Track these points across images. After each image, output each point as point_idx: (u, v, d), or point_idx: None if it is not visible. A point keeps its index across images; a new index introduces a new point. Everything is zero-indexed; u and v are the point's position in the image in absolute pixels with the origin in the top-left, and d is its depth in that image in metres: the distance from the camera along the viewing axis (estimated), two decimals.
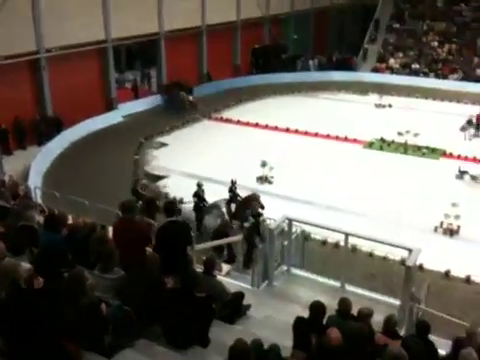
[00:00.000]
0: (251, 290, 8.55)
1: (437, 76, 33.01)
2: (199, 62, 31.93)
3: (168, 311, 5.17)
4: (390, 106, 27.79)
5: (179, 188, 17.20)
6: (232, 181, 15.17)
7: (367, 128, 23.55)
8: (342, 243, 9.64)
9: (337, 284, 9.00)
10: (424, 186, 17.57)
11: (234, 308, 6.76)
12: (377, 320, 6.52)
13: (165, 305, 5.17)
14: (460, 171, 18.34)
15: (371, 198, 16.66)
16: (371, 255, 12.92)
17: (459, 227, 14.69)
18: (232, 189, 15.08)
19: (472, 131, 22.89)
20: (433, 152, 21.02)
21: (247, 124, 25.37)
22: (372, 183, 17.90)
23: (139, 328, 5.20)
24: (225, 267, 10.48)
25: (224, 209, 14.50)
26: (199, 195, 14.63)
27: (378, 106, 27.99)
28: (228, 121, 26.14)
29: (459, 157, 20.35)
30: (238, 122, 25.73)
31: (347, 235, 9.20)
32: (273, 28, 36.11)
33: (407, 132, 21.86)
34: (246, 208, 13.71)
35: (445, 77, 32.72)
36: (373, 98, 28.87)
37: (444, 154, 20.88)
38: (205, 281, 5.85)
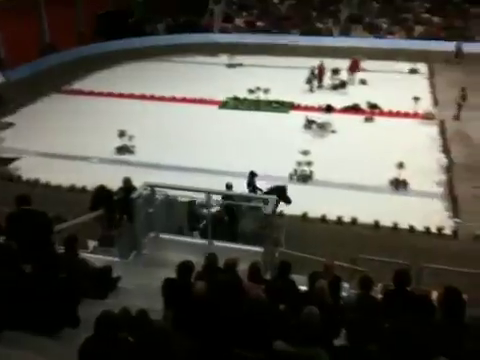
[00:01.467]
0: (120, 262, 8.54)
1: (281, 32, 34.53)
2: (40, 32, 29.64)
3: (29, 296, 5.00)
4: (241, 65, 28.59)
5: (33, 169, 16.20)
6: (252, 173, 13.38)
7: (220, 88, 24.07)
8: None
9: (205, 242, 9.36)
10: (277, 138, 18.55)
11: (103, 283, 6.73)
12: (244, 269, 6.95)
13: (24, 291, 4.98)
14: (308, 121, 19.67)
15: (231, 155, 17.22)
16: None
17: (311, 173, 15.88)
18: (251, 182, 13.33)
19: (315, 83, 24.53)
20: (283, 106, 22.24)
21: (100, 94, 24.44)
22: (230, 141, 18.49)
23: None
24: (91, 243, 10.26)
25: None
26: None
27: (229, 66, 28.63)
28: (79, 93, 24.92)
29: (306, 108, 21.76)
30: (90, 93, 24.66)
31: (209, 193, 9.54)
32: None
33: (258, 89, 22.74)
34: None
35: (288, 33, 34.39)
36: (223, 58, 29.39)
37: (293, 107, 22.19)
38: (67, 261, 5.74)
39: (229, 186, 12.29)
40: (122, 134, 17.77)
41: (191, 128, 19.87)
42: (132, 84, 25.11)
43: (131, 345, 4.49)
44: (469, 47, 29.02)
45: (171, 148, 17.90)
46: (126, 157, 17.60)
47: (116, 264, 7.93)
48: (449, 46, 29.31)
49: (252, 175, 13.25)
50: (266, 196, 9.74)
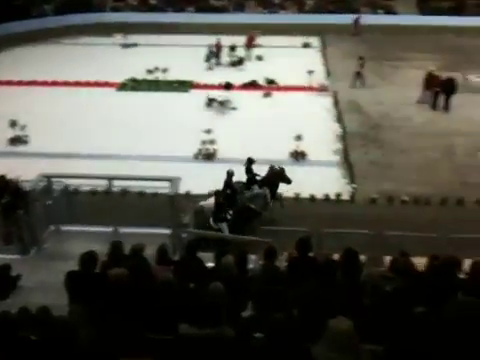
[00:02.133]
0: (20, 259, 8.15)
1: (175, 10, 34.01)
2: None
3: None
4: (135, 45, 27.84)
5: None
6: (249, 159, 12.98)
7: (117, 70, 23.34)
8: (114, 189, 9.80)
9: (110, 230, 9.18)
10: (179, 118, 18.45)
11: (1, 283, 6.40)
12: (152, 253, 6.92)
13: None
14: (208, 99, 19.72)
15: (133, 138, 16.88)
16: (142, 194, 13.34)
17: (216, 150, 16.02)
18: (249, 168, 12.94)
19: (214, 60, 24.57)
20: (183, 85, 22.07)
21: None
22: (131, 123, 18.08)
23: None
24: None
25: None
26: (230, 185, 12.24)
27: (124, 46, 27.78)
28: None
29: (206, 86, 21.77)
30: None
31: (110, 179, 9.34)
32: None
33: (156, 69, 22.36)
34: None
35: (182, 10, 33.96)
36: (118, 38, 28.43)
37: (192, 85, 22.10)
38: None
39: (230, 173, 12.22)
40: (13, 124, 16.74)
41: (88, 113, 19.12)
42: (21, 70, 23.59)
43: (34, 344, 4.34)
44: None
45: (68, 135, 17.15)
46: (20, 148, 16.61)
47: (16, 262, 7.57)
48: (339, 19, 30.64)
49: (250, 161, 13.00)
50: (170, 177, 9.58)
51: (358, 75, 21.74)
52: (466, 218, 12.36)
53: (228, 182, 12.15)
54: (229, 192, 11.82)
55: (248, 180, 12.75)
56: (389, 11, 33.39)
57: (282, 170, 12.83)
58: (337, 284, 5.72)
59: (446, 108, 19.06)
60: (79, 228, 9.26)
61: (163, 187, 10.00)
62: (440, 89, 19.02)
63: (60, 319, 4.39)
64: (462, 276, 6.04)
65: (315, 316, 4.91)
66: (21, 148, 16.62)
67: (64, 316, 4.93)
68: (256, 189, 12.38)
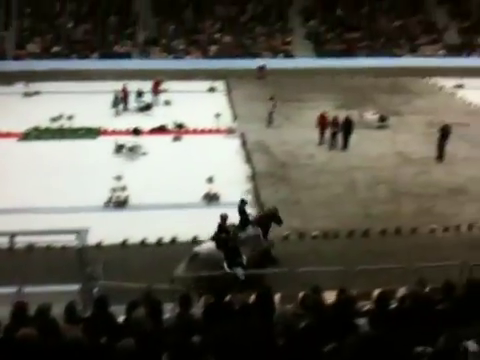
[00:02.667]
0: None
1: (79, 57, 33.66)
2: None
3: None
4: (38, 93, 27.08)
5: None
6: (242, 201, 12.77)
7: (19, 119, 22.48)
8: (18, 245, 9.29)
9: (13, 290, 8.66)
10: (87, 166, 18.05)
11: None
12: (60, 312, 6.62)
13: None
14: (117, 145, 19.53)
15: (39, 189, 16.20)
16: (49, 248, 12.77)
17: (127, 197, 15.79)
18: (242, 209, 12.59)
19: (121, 106, 24.48)
20: (90, 132, 21.71)
21: None
22: (36, 174, 17.40)
23: None
24: None
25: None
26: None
27: (26, 94, 26.91)
28: None
29: (114, 132, 21.58)
30: None
31: (12, 235, 8.89)
32: None
33: (61, 117, 21.86)
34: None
35: (86, 57, 33.69)
36: (19, 87, 27.52)
37: (100, 132, 21.81)
38: None
39: (224, 217, 12.00)
40: None
41: None
42: None
43: None
44: (259, 63, 31.93)
45: None
46: None
47: None
48: (242, 63, 31.96)
49: (243, 202, 12.78)
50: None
51: (270, 115, 22.96)
52: (373, 249, 13.11)
53: (222, 226, 12.03)
54: (224, 236, 11.69)
55: (242, 221, 12.48)
56: (288, 55, 35.36)
57: (275, 210, 12.86)
58: (252, 327, 5.83)
59: (345, 147, 20.16)
60: None
61: (71, 240, 9.70)
62: (338, 129, 20.14)
63: None
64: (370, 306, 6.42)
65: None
66: None
67: None
68: (250, 230, 12.25)
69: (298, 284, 10.39)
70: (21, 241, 10.67)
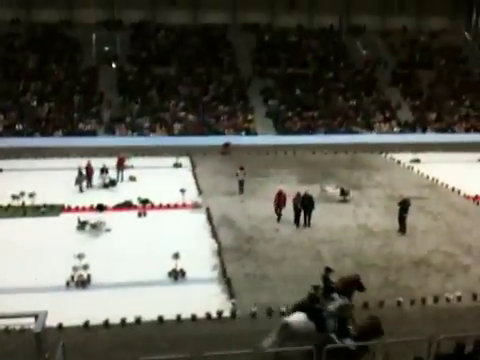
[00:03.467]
0: None
1: (43, 134, 33.73)
2: None
3: None
4: (0, 170, 26.73)
5: None
6: (327, 268, 12.42)
7: None
8: None
9: None
10: (49, 244, 17.61)
11: None
12: None
13: None
14: (80, 222, 19.20)
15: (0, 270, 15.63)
16: (8, 331, 12.10)
17: (90, 276, 15.30)
18: (327, 277, 12.04)
19: (85, 182, 24.33)
20: (52, 209, 21.31)
21: None
22: None
23: None
24: None
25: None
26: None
27: None
28: None
29: (77, 209, 21.29)
30: None
31: None
32: None
33: (22, 194, 21.47)
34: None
35: (51, 134, 33.81)
36: None
37: (63, 209, 21.47)
38: None
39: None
40: None
41: None
42: None
43: None
44: (222, 140, 32.81)
45: None
46: None
47: None
48: (206, 140, 32.80)
49: (328, 270, 12.36)
50: None
51: (241, 184, 23.96)
52: None
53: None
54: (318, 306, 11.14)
55: (326, 289, 11.82)
56: (250, 132, 36.48)
57: (358, 277, 12.45)
58: None
59: (307, 224, 19.96)
60: None
61: (30, 322, 9.25)
62: (299, 206, 19.96)
63: None
64: None
65: None
66: None
67: None
68: (337, 299, 11.47)
69: None
70: None
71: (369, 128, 38.28)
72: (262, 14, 46.95)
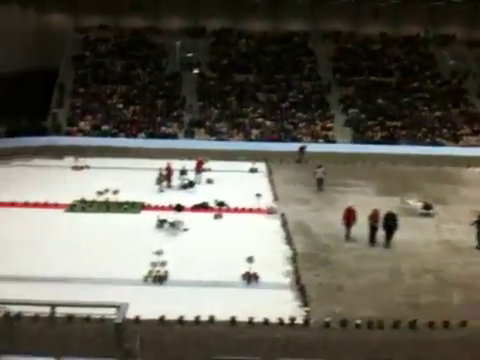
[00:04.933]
0: None
1: (127, 135, 35.22)
2: None
3: None
4: (87, 167, 28.18)
5: None
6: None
7: (67, 191, 23.25)
8: (58, 315, 9.29)
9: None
10: (129, 240, 18.26)
11: None
12: None
13: None
14: (159, 220, 19.77)
15: (81, 261, 16.39)
16: (88, 319, 12.64)
17: (167, 272, 15.69)
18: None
19: (165, 183, 25.07)
20: (133, 206, 22.13)
21: None
22: (79, 245, 17.65)
23: None
24: None
25: None
26: None
27: (75, 168, 28.02)
28: None
29: (157, 208, 21.94)
30: None
31: (53, 306, 8.91)
32: None
33: (106, 190, 22.45)
34: None
35: (134, 136, 35.22)
36: (69, 161, 28.75)
37: (143, 207, 22.22)
38: None
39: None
40: None
41: (34, 234, 18.57)
42: None
43: None
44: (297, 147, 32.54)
45: (13, 258, 16.44)
46: None
47: None
48: (283, 147, 32.68)
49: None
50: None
51: (320, 182, 24.27)
52: (420, 341, 12.42)
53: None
54: None
55: None
56: (328, 140, 35.96)
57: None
58: None
59: (387, 245, 18.45)
60: (20, 358, 8.55)
61: (110, 313, 9.59)
62: (377, 224, 18.47)
63: None
64: None
65: None
66: None
67: None
68: None
69: None
70: (61, 311, 10.70)
71: (455, 140, 36.47)
72: (344, 22, 46.41)
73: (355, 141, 35.91)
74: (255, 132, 36.45)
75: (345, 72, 42.34)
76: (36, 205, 21.90)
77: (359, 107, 39.17)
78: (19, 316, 10.90)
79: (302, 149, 31.57)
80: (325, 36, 45.49)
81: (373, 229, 18.66)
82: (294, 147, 32.03)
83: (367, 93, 40.35)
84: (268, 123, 37.38)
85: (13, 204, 21.88)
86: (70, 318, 12.12)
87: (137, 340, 9.70)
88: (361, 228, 18.86)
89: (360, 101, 39.71)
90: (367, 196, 23.37)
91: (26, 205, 21.86)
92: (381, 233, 18.70)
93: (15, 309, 9.68)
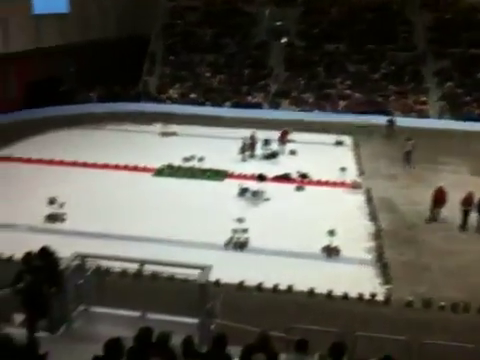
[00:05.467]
0: (48, 337, 7.99)
1: (213, 104, 35.66)
2: None
3: None
4: (175, 134, 28.98)
5: None
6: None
7: (155, 156, 24.13)
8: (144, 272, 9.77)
9: (138, 314, 8.98)
10: (211, 206, 18.67)
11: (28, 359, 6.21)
12: (179, 342, 6.69)
13: None
14: (241, 189, 19.99)
15: (166, 223, 17.04)
16: (171, 279, 13.16)
17: (247, 240, 15.92)
18: None
19: (248, 152, 25.21)
20: (217, 174, 22.53)
21: (29, 161, 23.70)
22: (165, 208, 18.36)
23: None
24: (17, 317, 9.54)
25: None
26: None
27: (163, 134, 28.93)
28: (6, 159, 24.03)
29: (240, 177, 22.18)
30: (19, 160, 23.87)
31: (142, 263, 9.32)
32: (48, 60, 34.55)
33: (192, 157, 23.02)
34: None
35: (220, 105, 35.58)
36: (158, 127, 29.71)
37: (227, 175, 22.55)
38: None
39: None
40: (52, 201, 17.16)
41: (124, 196, 19.56)
42: (63, 151, 24.66)
43: None
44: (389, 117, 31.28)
45: (103, 216, 17.46)
46: (56, 225, 16.88)
47: (44, 339, 7.39)
48: (371, 120, 31.51)
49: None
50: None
51: (408, 155, 23.52)
52: None
53: None
54: None
55: None
56: (422, 115, 34.16)
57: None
58: None
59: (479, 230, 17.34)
60: (108, 310, 9.09)
61: (193, 274, 9.87)
62: (470, 208, 17.39)
63: None
64: None
65: None
66: (58, 225, 16.89)
67: None
68: None
69: (421, 356, 9.60)
70: (147, 269, 11.21)
71: None
72: None
73: (450, 117, 33.85)
74: (342, 104, 35.45)
75: (442, 43, 39.70)
76: (126, 168, 22.97)
77: (456, 81, 36.73)
78: (108, 271, 11.55)
79: (391, 122, 30.30)
80: (424, 4, 42.78)
81: (465, 213, 17.51)
82: (383, 120, 30.82)
83: (465, 66, 37.65)
84: (357, 95, 36.17)
85: (106, 166, 23.10)
86: (155, 276, 12.70)
87: (219, 301, 9.94)
88: (452, 210, 17.84)
89: (457, 75, 37.21)
90: (460, 176, 22.06)
91: (117, 167, 23.00)
92: (474, 217, 17.55)
93: (105, 264, 10.21)
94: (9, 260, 14.01)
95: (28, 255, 9.71)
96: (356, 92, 36.26)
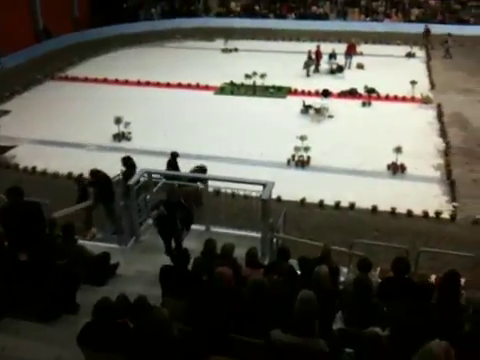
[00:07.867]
0: (119, 249, 8.55)
1: (276, 16, 34.27)
2: (33, 17, 29.31)
3: (26, 284, 4.98)
4: (236, 50, 28.37)
5: (29, 157, 16.13)
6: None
7: (216, 73, 23.91)
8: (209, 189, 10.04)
9: (202, 228, 9.36)
10: (274, 124, 18.46)
11: (101, 269, 6.72)
12: (241, 254, 6.96)
13: (21, 278, 4.97)
14: (305, 106, 19.56)
15: (229, 141, 17.16)
16: (233, 196, 13.45)
17: (309, 158, 15.81)
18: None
19: (312, 67, 24.38)
20: (280, 91, 22.09)
21: (95, 81, 24.28)
22: (227, 127, 18.41)
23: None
24: (92, 230, 10.28)
25: None
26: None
27: (224, 51, 28.42)
28: (74, 79, 24.73)
29: (303, 93, 21.64)
30: (86, 80, 24.49)
31: (206, 180, 9.55)
32: None
33: (254, 74, 22.57)
34: None
35: (284, 17, 34.14)
36: (219, 43, 29.15)
37: (289, 92, 22.06)
38: (65, 248, 5.72)
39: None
40: (118, 121, 17.64)
41: (187, 114, 19.75)
42: (127, 70, 24.95)
43: (130, 330, 4.49)
44: (465, 30, 28.92)
45: (167, 134, 17.81)
46: (122, 144, 17.48)
47: (115, 251, 7.95)
48: (447, 29, 29.19)
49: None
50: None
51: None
52: None
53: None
54: None
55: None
56: None
57: None
58: (433, 307, 5.41)
59: None
60: None
61: (255, 190, 10.03)
62: None
63: (156, 310, 4.48)
64: None
65: (407, 337, 4.65)
66: (124, 144, 17.48)
67: (159, 307, 5.06)
68: None
69: None
70: (211, 185, 11.47)
71: None
72: None
73: None
74: (416, 12, 32.95)
75: None
76: (189, 86, 23.00)
77: None
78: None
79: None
80: None
81: None
82: (460, 30, 28.48)
83: None
84: (432, 2, 33.40)
85: (168, 85, 23.24)
86: (217, 192, 13.02)
87: (282, 216, 10.14)
88: None
89: None
90: None
91: (179, 86, 23.08)
92: None
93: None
94: (79, 178, 14.72)
95: (96, 172, 10.33)
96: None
